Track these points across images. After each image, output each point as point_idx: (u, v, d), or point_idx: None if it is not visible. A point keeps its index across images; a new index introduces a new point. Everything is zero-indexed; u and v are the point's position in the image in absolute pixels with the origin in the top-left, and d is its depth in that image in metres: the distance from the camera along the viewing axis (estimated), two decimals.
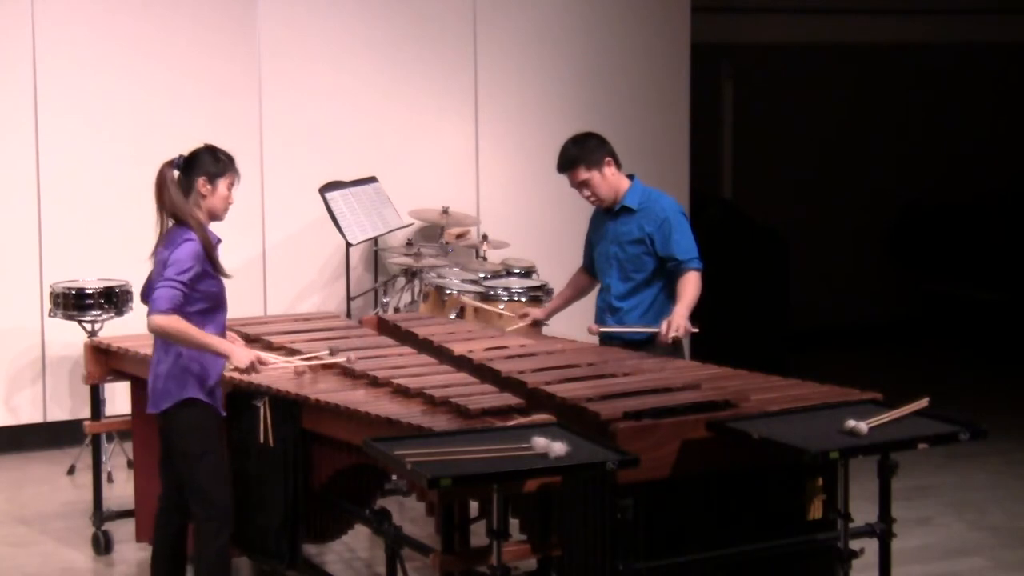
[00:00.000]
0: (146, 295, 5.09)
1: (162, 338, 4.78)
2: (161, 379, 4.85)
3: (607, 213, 5.74)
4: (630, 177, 5.74)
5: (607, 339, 5.66)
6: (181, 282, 4.69)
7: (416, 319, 6.23)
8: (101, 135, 8.05)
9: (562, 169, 5.73)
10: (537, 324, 6.05)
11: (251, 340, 5.58)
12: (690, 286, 5.52)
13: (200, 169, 4.85)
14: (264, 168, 8.30)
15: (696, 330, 5.52)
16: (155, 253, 4.88)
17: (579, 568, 4.20)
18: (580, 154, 5.66)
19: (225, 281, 4.90)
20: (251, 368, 4.88)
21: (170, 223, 4.85)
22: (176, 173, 4.84)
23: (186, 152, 4.91)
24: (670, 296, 5.59)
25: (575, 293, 6.07)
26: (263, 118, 8.35)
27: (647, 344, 5.49)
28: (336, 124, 8.53)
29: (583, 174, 5.65)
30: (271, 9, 8.37)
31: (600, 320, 5.77)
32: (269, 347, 5.56)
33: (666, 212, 5.62)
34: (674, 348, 5.53)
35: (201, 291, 4.78)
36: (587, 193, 5.70)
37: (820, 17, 11.07)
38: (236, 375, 4.99)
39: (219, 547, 4.87)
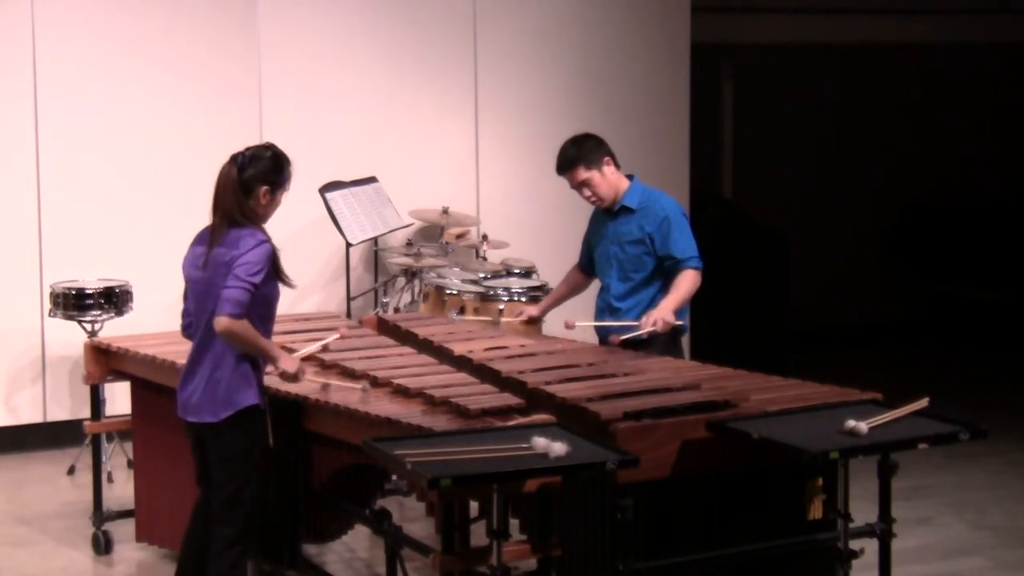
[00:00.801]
0: (200, 307, 4.80)
1: (228, 341, 4.64)
2: (222, 385, 4.69)
3: (607, 213, 5.74)
4: (629, 177, 5.74)
5: (603, 332, 5.68)
6: (252, 283, 4.60)
7: (416, 319, 6.23)
8: (101, 135, 8.04)
9: (562, 170, 5.72)
10: (533, 321, 6.05)
11: None
12: (684, 282, 5.50)
13: (263, 176, 4.72)
14: None
15: (679, 322, 5.48)
16: (208, 254, 4.69)
17: (579, 568, 4.20)
18: (579, 154, 5.66)
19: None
20: (297, 376, 4.84)
21: (223, 222, 4.70)
22: (237, 173, 4.69)
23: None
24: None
25: (569, 290, 6.06)
26: (263, 118, 8.35)
27: (645, 343, 5.49)
28: (336, 124, 8.53)
29: (583, 174, 5.64)
30: (271, 9, 8.37)
31: (599, 320, 5.78)
32: None
33: (666, 211, 5.61)
34: (671, 346, 5.52)
35: (263, 294, 4.68)
36: (587, 193, 5.70)
37: (820, 17, 11.07)
38: (280, 380, 4.91)
39: (240, 571, 4.78)
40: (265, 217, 4.81)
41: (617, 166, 5.70)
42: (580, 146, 5.68)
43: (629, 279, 5.66)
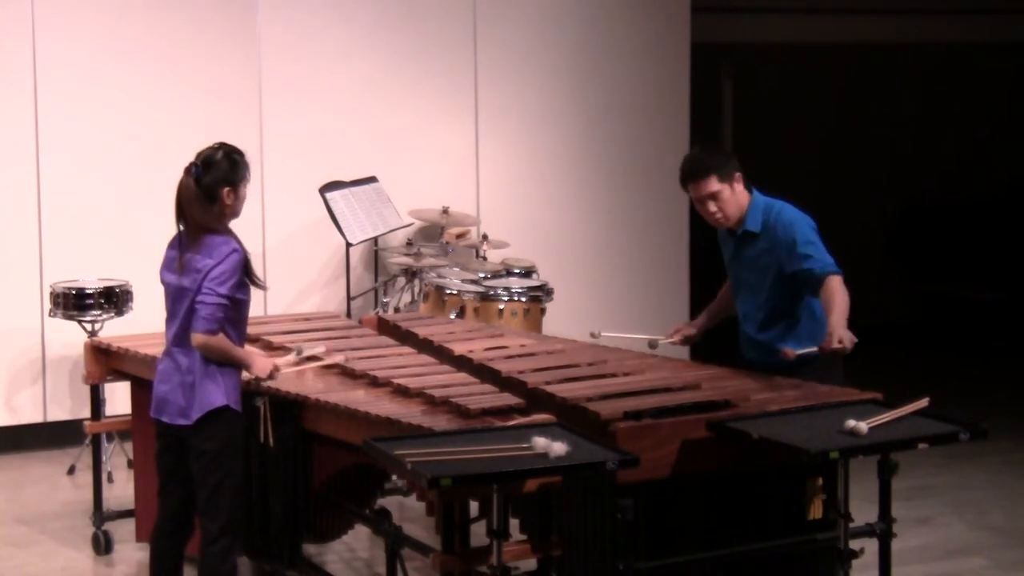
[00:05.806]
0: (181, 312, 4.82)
1: (205, 354, 4.70)
2: (194, 388, 4.73)
3: (731, 234, 5.16)
4: (749, 190, 5.14)
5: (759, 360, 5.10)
6: (227, 296, 4.65)
7: (416, 319, 6.23)
8: (101, 136, 8.05)
9: (693, 177, 5.04)
10: (688, 340, 5.52)
11: (251, 340, 5.57)
12: (838, 295, 4.86)
13: (222, 179, 4.74)
14: (264, 168, 8.29)
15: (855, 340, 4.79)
16: (182, 259, 4.73)
17: (579, 568, 4.20)
18: (713, 163, 5.04)
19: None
20: (270, 377, 4.88)
21: (194, 230, 4.74)
22: (195, 183, 4.73)
23: (193, 151, 4.84)
24: (812, 315, 5.06)
25: (723, 307, 5.44)
26: (263, 118, 8.35)
27: (808, 363, 4.88)
28: (336, 124, 8.53)
29: (715, 185, 5.01)
30: (271, 10, 8.37)
31: (745, 352, 5.19)
32: (269, 347, 5.57)
33: (789, 231, 5.01)
34: (829, 370, 5.00)
35: (235, 300, 4.72)
36: (713, 208, 5.04)
37: (820, 17, 11.07)
38: (254, 382, 4.94)
39: (229, 569, 4.79)
40: (235, 214, 4.83)
41: (746, 185, 5.12)
42: (713, 155, 5.12)
43: (764, 307, 5.10)
